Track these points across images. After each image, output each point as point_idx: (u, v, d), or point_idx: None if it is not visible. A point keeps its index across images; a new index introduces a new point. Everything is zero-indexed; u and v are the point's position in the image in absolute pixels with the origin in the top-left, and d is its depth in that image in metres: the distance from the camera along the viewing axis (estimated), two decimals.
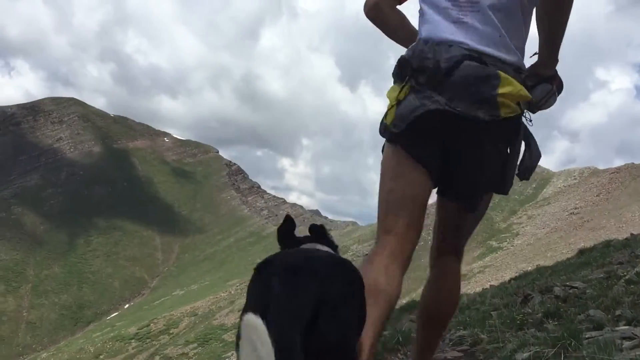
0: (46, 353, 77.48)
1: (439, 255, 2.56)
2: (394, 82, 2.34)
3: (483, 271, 54.43)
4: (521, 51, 2.30)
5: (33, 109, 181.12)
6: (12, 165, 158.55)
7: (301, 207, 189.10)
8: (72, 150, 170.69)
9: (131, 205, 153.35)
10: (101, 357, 66.29)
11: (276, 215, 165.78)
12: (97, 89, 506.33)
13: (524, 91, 2.16)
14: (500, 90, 2.10)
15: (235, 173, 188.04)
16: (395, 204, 2.27)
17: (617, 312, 5.05)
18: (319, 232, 2.15)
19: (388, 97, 2.34)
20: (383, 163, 2.38)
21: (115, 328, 79.95)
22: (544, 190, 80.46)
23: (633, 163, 71.01)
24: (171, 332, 68.19)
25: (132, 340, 69.50)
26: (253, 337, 1.29)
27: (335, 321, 1.57)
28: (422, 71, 2.17)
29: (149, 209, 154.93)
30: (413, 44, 2.30)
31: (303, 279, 1.58)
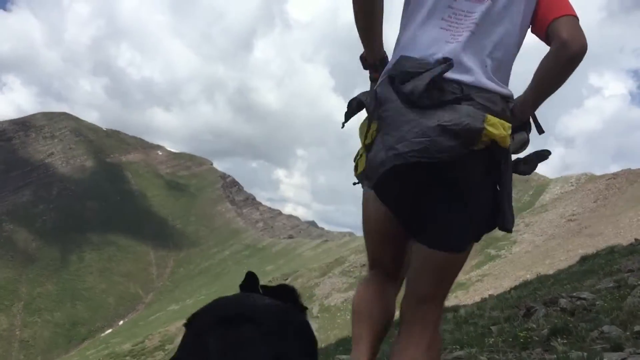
0: None
1: (416, 304, 2.18)
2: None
3: (481, 280, 54.04)
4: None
5: (24, 125, 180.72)
6: (3, 181, 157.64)
7: (297, 218, 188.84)
8: (64, 165, 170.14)
9: (124, 219, 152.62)
10: None
11: (272, 227, 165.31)
12: (89, 103, 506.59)
13: (508, 139, 1.96)
14: (487, 127, 1.90)
15: (230, 185, 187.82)
16: (377, 243, 2.31)
17: (635, 328, 4.61)
18: (288, 292, 1.90)
19: (360, 136, 2.18)
20: (363, 202, 2.33)
21: (110, 345, 79.27)
22: (541, 197, 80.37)
23: (630, 168, 71.06)
24: (166, 348, 67.24)
25: (127, 358, 68.77)
26: None
27: None
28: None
29: (142, 223, 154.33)
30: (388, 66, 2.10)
31: (246, 333, 1.28)
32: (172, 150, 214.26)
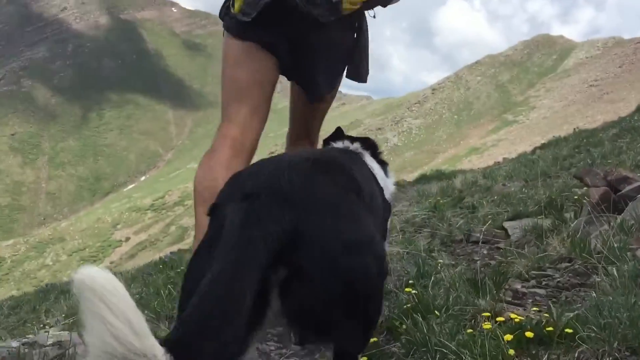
0: (66, 222, 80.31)
1: (294, 140, 2.58)
2: None
3: (497, 145, 54.08)
4: None
5: None
6: (19, 36, 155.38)
7: None
8: (77, 21, 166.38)
9: (142, 78, 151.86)
10: (118, 226, 68.57)
11: (289, 89, 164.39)
12: None
13: None
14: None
15: None
16: (238, 92, 2.20)
17: None
18: (369, 144, 2.15)
19: None
20: (224, 50, 2.29)
21: (132, 199, 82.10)
22: (565, 61, 77.84)
23: None
24: (186, 203, 69.75)
25: (148, 211, 71.53)
26: (99, 302, 0.81)
27: (323, 258, 1.14)
28: None
29: (160, 82, 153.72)
30: None
31: (267, 206, 1.15)
32: (187, 7, 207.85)
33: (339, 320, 1.19)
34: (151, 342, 0.85)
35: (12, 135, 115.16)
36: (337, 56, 2.26)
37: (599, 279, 2.22)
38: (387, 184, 2.05)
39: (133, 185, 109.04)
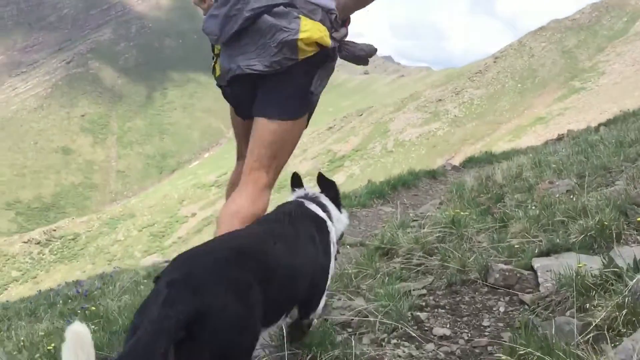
0: (135, 199, 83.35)
1: (250, 170, 2.61)
2: None
3: (563, 113, 52.10)
4: None
5: None
6: (84, 19, 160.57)
7: None
8: (140, 2, 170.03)
9: (202, 57, 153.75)
10: (184, 202, 70.38)
11: (347, 63, 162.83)
12: None
13: (326, 38, 2.42)
14: (301, 35, 2.34)
15: None
16: (238, 136, 2.92)
17: None
18: (330, 187, 2.72)
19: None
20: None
21: (197, 176, 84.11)
22: (637, 23, 73.62)
23: None
24: None
25: (212, 187, 73.04)
26: (76, 345, 1.24)
27: (215, 329, 1.50)
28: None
29: None
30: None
31: (176, 292, 1.52)
32: None
33: None
34: None
35: (83, 116, 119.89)
36: (284, 91, 2.51)
37: None
38: (339, 222, 2.62)
39: (197, 162, 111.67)
